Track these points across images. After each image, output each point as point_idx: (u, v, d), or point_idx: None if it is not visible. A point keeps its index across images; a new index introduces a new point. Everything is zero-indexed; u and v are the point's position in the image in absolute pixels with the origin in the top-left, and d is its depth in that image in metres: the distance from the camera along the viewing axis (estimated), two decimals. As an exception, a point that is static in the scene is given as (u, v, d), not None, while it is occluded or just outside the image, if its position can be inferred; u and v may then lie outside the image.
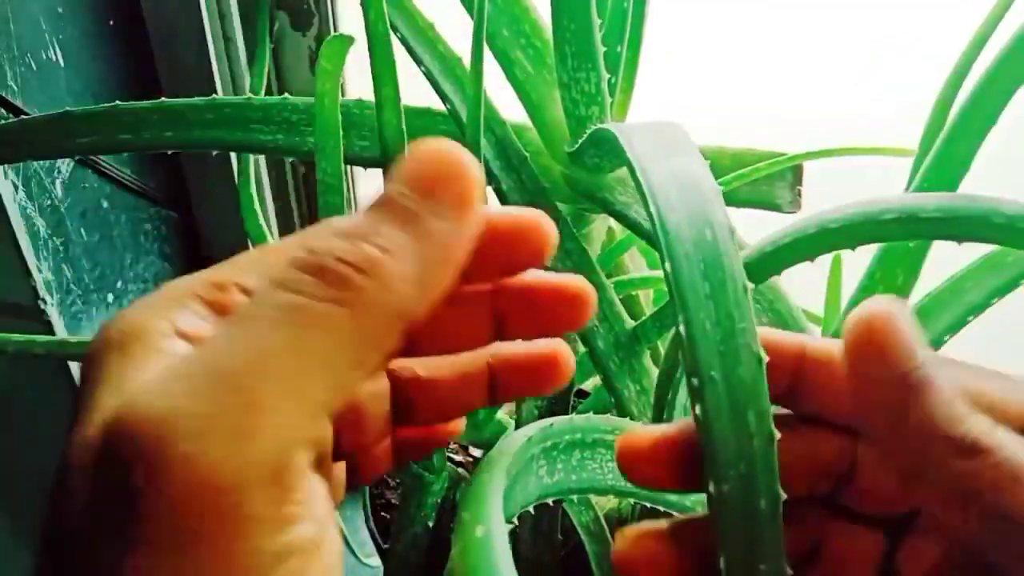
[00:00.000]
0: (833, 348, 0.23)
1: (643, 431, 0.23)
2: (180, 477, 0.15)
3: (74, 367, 0.65)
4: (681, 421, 0.23)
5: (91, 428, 0.17)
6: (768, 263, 0.30)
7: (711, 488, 0.21)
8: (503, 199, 0.44)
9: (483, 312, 0.24)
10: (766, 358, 0.22)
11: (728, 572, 0.21)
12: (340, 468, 0.25)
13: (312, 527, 0.17)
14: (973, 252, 0.31)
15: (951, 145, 0.29)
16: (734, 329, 0.22)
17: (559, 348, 0.25)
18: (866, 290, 0.33)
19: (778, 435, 0.22)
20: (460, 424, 0.28)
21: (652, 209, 0.24)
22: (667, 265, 0.23)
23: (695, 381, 0.22)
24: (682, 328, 0.22)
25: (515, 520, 0.25)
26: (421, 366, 0.26)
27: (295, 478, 0.17)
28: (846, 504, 0.25)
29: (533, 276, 0.23)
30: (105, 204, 0.67)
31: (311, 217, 0.83)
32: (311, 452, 0.17)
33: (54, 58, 0.59)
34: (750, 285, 0.23)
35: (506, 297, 0.24)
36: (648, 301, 0.56)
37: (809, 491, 0.24)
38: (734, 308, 0.22)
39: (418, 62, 0.45)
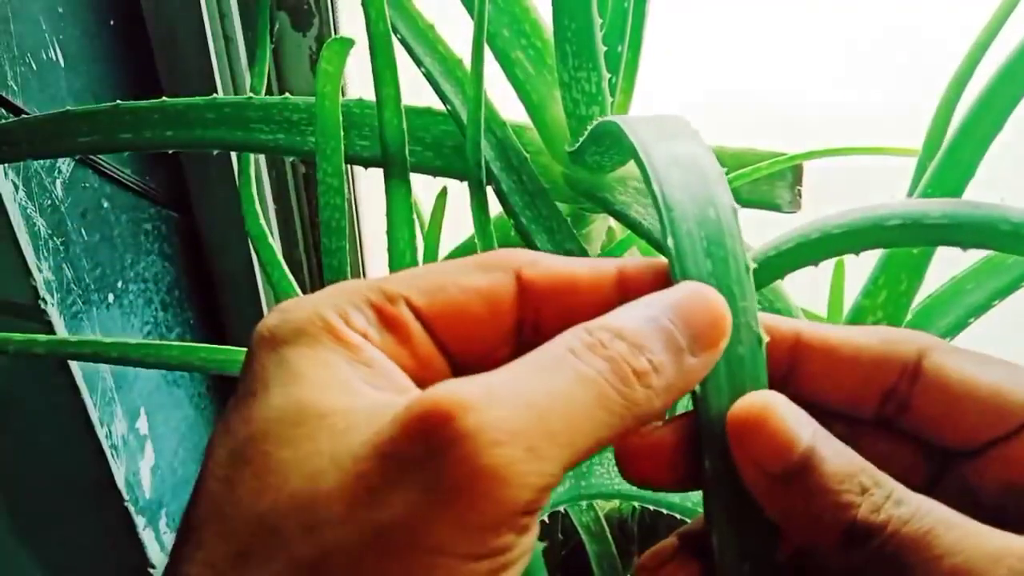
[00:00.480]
0: (830, 334, 0.23)
1: (641, 431, 0.23)
2: (481, 460, 0.17)
3: (74, 367, 0.65)
4: (677, 417, 0.23)
5: (276, 403, 0.20)
6: (771, 267, 0.30)
7: (707, 465, 0.21)
8: (503, 199, 0.44)
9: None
10: (766, 338, 0.22)
11: (720, 551, 0.21)
12: None
13: (525, 554, 0.19)
14: (974, 253, 0.31)
15: (956, 150, 0.29)
16: (736, 307, 0.22)
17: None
18: (870, 295, 0.33)
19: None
20: None
21: (655, 187, 0.24)
22: (669, 241, 0.23)
23: None
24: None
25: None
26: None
27: (536, 510, 0.19)
28: None
29: None
30: (105, 204, 0.67)
31: (311, 217, 0.83)
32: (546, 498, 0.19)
33: (54, 58, 0.59)
34: (752, 264, 0.23)
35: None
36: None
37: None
38: (735, 286, 0.22)
39: (418, 63, 0.45)
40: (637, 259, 0.24)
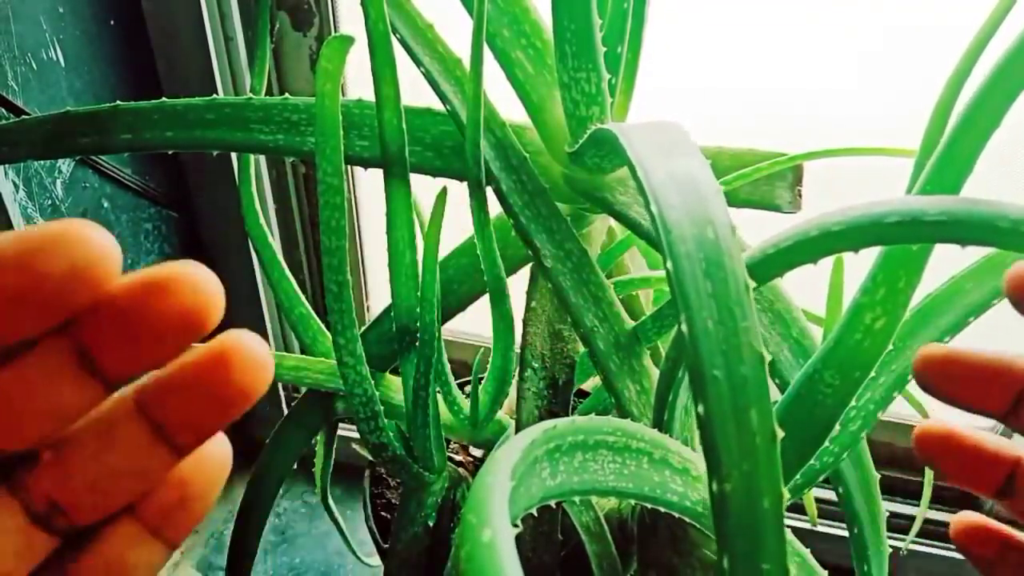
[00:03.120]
0: None
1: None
2: None
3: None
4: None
5: None
6: (770, 265, 0.30)
7: (714, 487, 0.21)
8: (503, 199, 0.44)
9: (57, 362, 0.18)
10: (768, 357, 0.22)
11: (731, 572, 0.21)
12: None
13: None
14: (973, 252, 0.31)
15: (954, 147, 0.29)
16: (736, 327, 0.22)
17: (233, 338, 0.19)
18: (868, 292, 0.33)
19: (780, 433, 0.22)
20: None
21: (653, 208, 0.24)
22: (668, 264, 0.23)
23: (698, 380, 0.22)
24: (684, 327, 0.22)
25: (519, 524, 0.25)
26: (45, 448, 0.20)
27: None
28: None
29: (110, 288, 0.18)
30: (105, 204, 0.67)
31: (311, 217, 0.83)
32: None
33: (54, 58, 0.59)
34: (752, 283, 0.23)
35: (81, 332, 0.18)
36: (648, 301, 0.56)
37: None
38: (736, 306, 0.22)
39: (418, 63, 0.45)
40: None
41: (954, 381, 0.26)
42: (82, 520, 0.20)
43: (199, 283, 0.18)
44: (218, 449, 0.21)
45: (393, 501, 0.65)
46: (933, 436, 0.27)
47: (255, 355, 0.19)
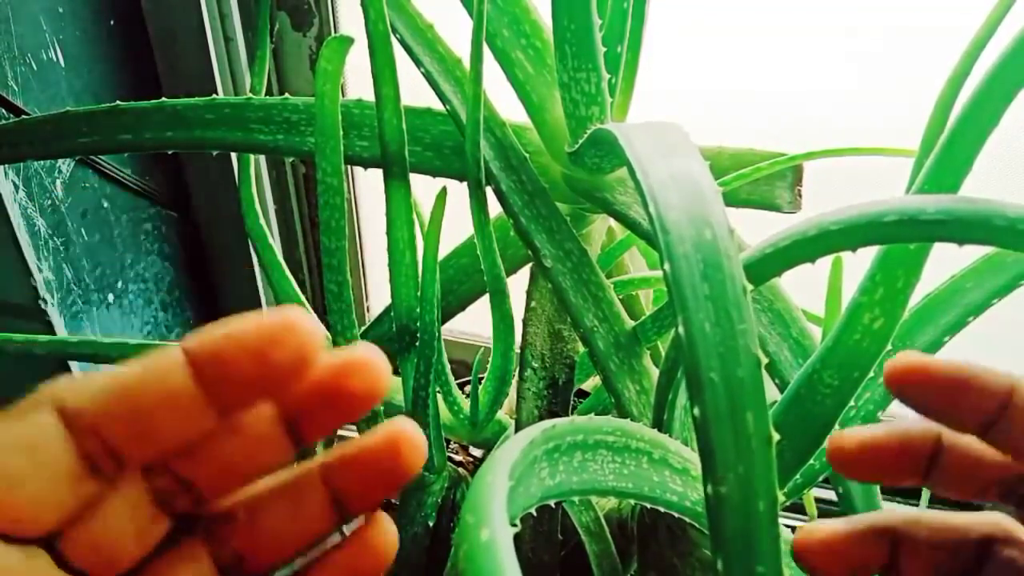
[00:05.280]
0: None
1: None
2: None
3: (74, 367, 0.65)
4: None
5: None
6: (768, 264, 0.30)
7: (709, 489, 0.21)
8: (502, 199, 0.44)
9: (271, 432, 0.22)
10: (765, 360, 0.22)
11: (726, 574, 0.21)
12: None
13: None
14: (973, 252, 0.31)
15: (952, 147, 0.29)
16: (733, 330, 0.22)
17: (401, 425, 0.22)
18: (867, 292, 0.33)
19: (777, 437, 0.22)
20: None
21: (651, 210, 0.24)
22: (666, 266, 0.23)
23: (694, 382, 0.22)
24: (681, 329, 0.22)
25: (518, 523, 0.25)
26: (242, 507, 0.23)
27: None
28: None
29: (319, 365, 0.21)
30: (105, 204, 0.67)
31: (311, 217, 0.83)
32: None
33: (54, 58, 0.59)
34: (749, 286, 0.23)
35: (291, 407, 0.22)
36: (648, 301, 0.56)
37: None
38: (733, 309, 0.22)
39: (418, 63, 0.45)
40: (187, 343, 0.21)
41: (929, 395, 0.24)
42: (258, 571, 0.24)
43: (380, 366, 0.22)
44: (389, 529, 0.25)
45: (393, 501, 0.65)
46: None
47: (417, 443, 0.22)
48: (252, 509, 0.23)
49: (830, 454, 0.26)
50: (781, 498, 0.21)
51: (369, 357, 0.21)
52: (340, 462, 0.23)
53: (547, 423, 0.29)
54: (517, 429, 0.48)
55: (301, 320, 0.20)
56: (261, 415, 0.22)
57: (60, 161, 0.61)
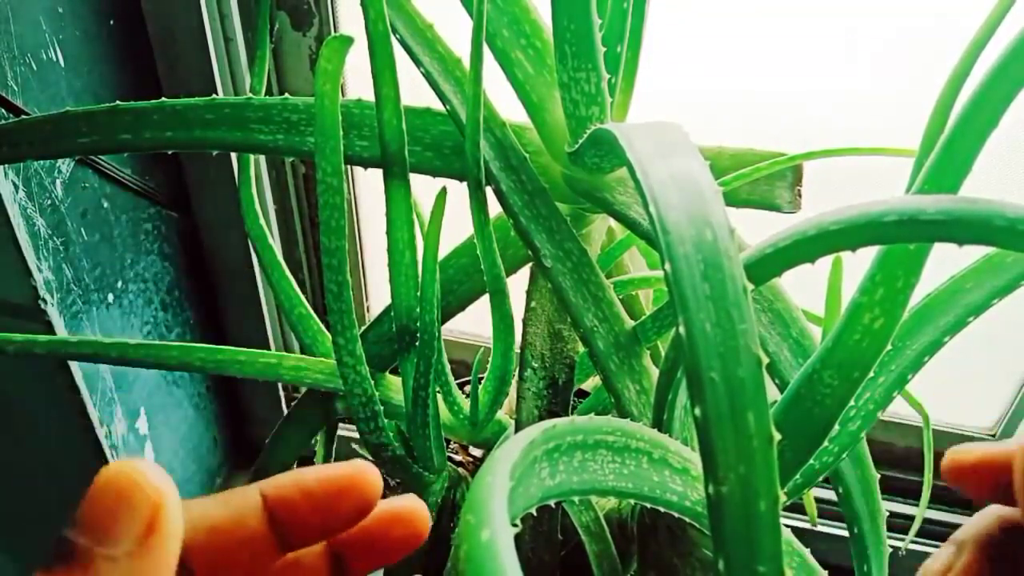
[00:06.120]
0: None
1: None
2: None
3: (74, 367, 0.65)
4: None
5: None
6: (768, 264, 0.30)
7: (710, 489, 0.21)
8: (502, 199, 0.44)
9: (320, 565, 0.26)
10: (766, 360, 0.22)
11: (727, 574, 0.21)
12: None
13: None
14: (973, 252, 0.31)
15: (952, 147, 0.29)
16: (734, 330, 0.22)
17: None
18: (867, 292, 0.33)
19: (778, 436, 0.22)
20: None
21: (652, 210, 0.24)
22: (667, 266, 0.23)
23: (695, 382, 0.22)
24: (682, 329, 0.22)
25: (518, 523, 0.25)
26: None
27: None
28: None
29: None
30: (105, 204, 0.67)
31: (311, 217, 0.83)
32: None
33: (54, 58, 0.59)
34: (750, 286, 0.23)
35: (340, 545, 0.26)
36: (648, 301, 0.56)
37: None
38: (734, 309, 0.22)
39: (417, 63, 0.45)
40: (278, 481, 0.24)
41: (984, 482, 0.25)
42: None
43: (424, 518, 0.25)
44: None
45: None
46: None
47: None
48: None
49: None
50: (782, 498, 0.21)
51: (415, 508, 0.25)
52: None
53: (547, 423, 0.29)
54: (517, 429, 0.48)
55: (366, 475, 0.23)
56: (313, 549, 0.25)
57: (60, 161, 0.61)
